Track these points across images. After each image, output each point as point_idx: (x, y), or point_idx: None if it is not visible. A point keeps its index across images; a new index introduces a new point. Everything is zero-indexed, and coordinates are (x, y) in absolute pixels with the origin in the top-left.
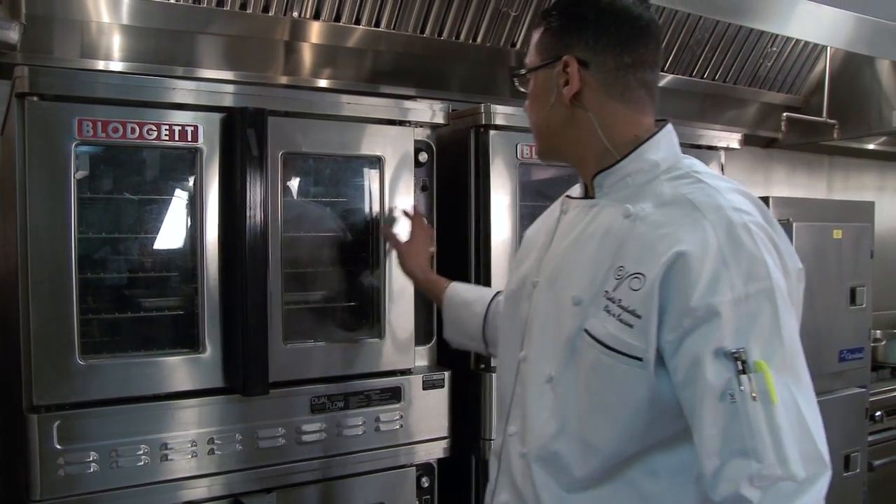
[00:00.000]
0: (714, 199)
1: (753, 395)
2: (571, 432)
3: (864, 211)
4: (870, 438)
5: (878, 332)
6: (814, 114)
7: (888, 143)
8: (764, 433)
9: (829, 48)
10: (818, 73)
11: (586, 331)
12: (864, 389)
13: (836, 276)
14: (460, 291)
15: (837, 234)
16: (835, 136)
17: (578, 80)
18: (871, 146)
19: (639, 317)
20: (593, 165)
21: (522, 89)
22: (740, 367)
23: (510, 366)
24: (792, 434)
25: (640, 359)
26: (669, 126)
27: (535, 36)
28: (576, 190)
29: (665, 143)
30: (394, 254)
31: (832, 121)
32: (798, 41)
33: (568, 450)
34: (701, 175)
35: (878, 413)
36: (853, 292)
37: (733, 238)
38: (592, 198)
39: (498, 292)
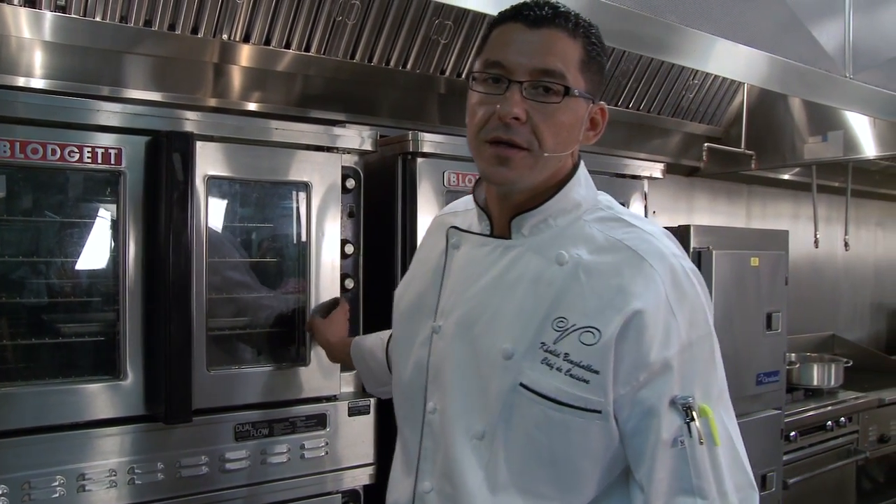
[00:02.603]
0: (655, 247)
1: (701, 440)
2: (516, 487)
3: (780, 239)
4: (785, 458)
5: (793, 355)
6: (733, 144)
7: (801, 173)
8: (708, 473)
9: (745, 83)
10: (737, 106)
11: (524, 385)
12: (779, 411)
13: (753, 302)
14: (361, 342)
15: (755, 261)
16: (752, 166)
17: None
18: (785, 176)
19: (596, 372)
20: (516, 203)
21: (549, 93)
22: (688, 414)
23: (412, 416)
24: (728, 469)
25: (598, 411)
26: (581, 161)
27: (575, 50)
28: (465, 221)
29: (584, 180)
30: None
31: (750, 151)
32: (718, 75)
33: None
34: (625, 217)
35: (793, 433)
36: (769, 318)
37: (678, 287)
38: (505, 237)
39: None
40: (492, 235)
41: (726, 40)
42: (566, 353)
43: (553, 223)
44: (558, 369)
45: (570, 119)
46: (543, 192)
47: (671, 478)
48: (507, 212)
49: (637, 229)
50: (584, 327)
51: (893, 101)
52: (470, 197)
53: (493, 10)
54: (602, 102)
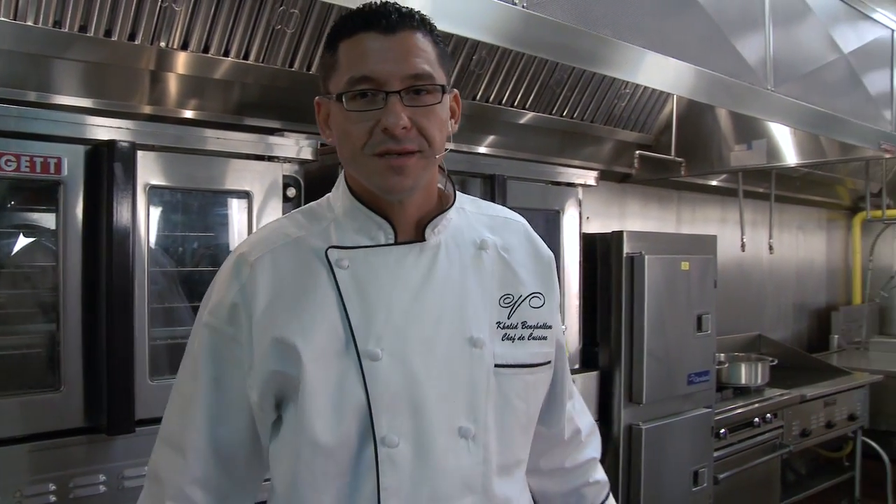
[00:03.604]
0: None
1: (568, 353)
2: (505, 470)
3: (708, 244)
4: (715, 454)
5: (722, 355)
6: (663, 152)
7: (728, 180)
8: (570, 377)
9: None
10: (667, 115)
11: (500, 365)
12: (710, 409)
13: (684, 305)
14: None
15: (685, 265)
16: (682, 172)
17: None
18: (714, 182)
19: (549, 326)
20: (417, 206)
21: (423, 94)
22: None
23: (346, 467)
24: None
25: (550, 361)
26: None
27: (430, 46)
28: (330, 239)
29: None
30: None
31: (679, 159)
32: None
33: (502, 484)
34: (478, 200)
35: (723, 430)
36: (699, 320)
37: None
38: (412, 241)
39: None
40: (396, 242)
41: (656, 53)
42: (523, 322)
43: (448, 218)
44: (521, 338)
45: (445, 114)
46: (430, 191)
47: (567, 388)
48: (411, 217)
49: (495, 205)
50: (528, 295)
51: (811, 113)
52: (292, 219)
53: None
54: (454, 90)
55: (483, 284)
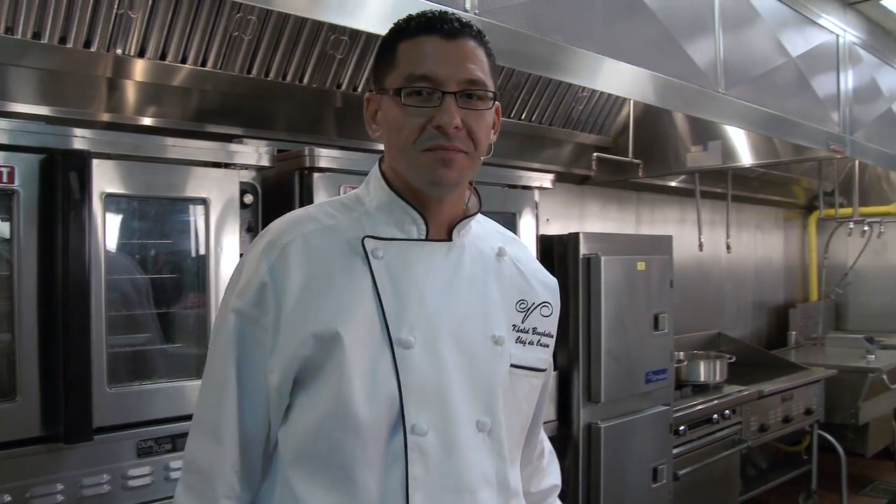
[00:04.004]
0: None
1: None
2: (512, 465)
3: (664, 244)
4: (675, 451)
5: (681, 353)
6: (621, 154)
7: (686, 181)
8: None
9: None
10: (624, 117)
11: (514, 365)
12: (668, 407)
13: (642, 304)
14: None
15: (641, 266)
16: (640, 174)
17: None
18: (672, 183)
19: (552, 336)
20: (452, 211)
21: (475, 99)
22: None
23: (375, 454)
24: None
25: (547, 369)
26: None
27: (484, 56)
28: (362, 229)
29: None
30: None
31: (637, 160)
32: None
33: (514, 477)
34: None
35: (682, 427)
36: (657, 319)
37: None
38: (441, 240)
39: None
40: (427, 239)
41: (610, 59)
42: (534, 328)
43: (471, 225)
44: (530, 343)
45: (491, 120)
46: (461, 196)
47: (545, 409)
48: (444, 217)
49: (501, 226)
50: (540, 303)
51: (762, 115)
52: (321, 209)
53: (383, 31)
54: (497, 103)
55: (502, 287)
